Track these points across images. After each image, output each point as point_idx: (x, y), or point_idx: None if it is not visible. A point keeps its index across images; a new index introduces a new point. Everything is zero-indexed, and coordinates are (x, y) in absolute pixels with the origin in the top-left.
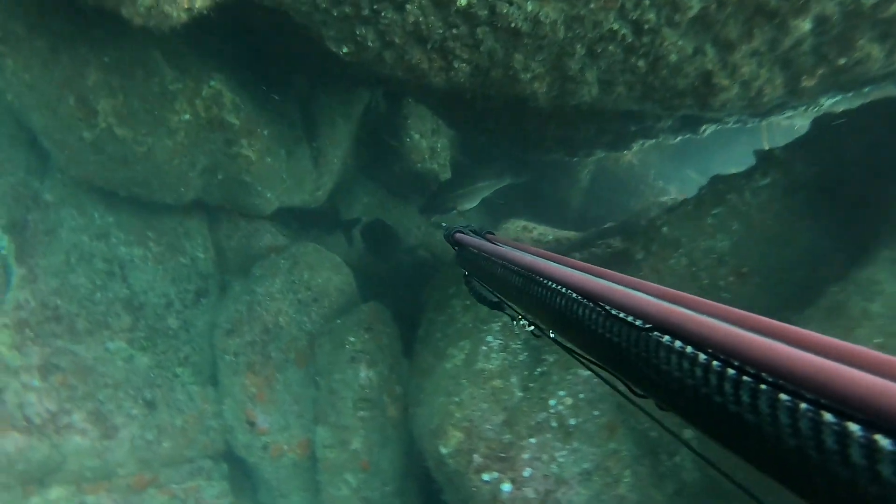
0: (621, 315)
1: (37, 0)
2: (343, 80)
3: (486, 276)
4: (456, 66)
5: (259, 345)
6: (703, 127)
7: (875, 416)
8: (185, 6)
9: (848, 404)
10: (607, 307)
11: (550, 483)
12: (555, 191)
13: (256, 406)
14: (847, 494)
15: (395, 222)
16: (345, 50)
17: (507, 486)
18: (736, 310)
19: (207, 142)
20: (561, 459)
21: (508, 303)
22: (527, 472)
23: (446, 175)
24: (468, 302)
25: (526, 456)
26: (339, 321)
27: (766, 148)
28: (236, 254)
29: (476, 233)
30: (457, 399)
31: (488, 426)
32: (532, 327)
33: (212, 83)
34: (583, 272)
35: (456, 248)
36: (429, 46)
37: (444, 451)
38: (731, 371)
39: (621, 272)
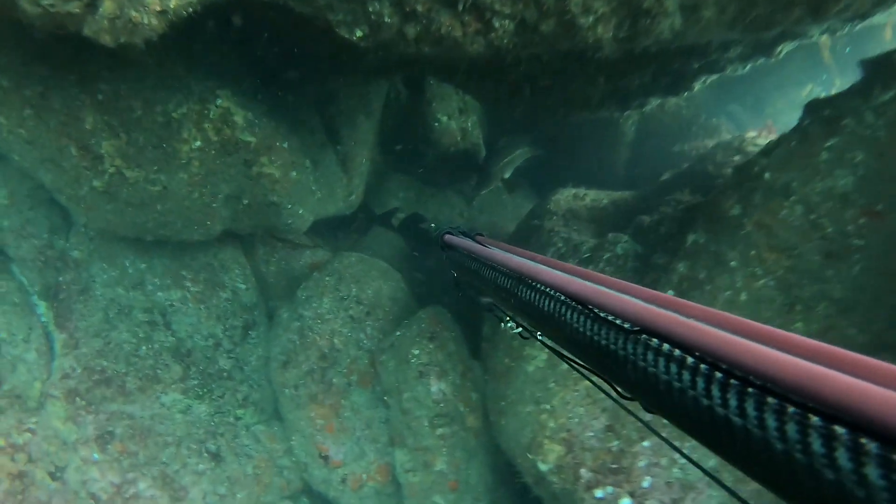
0: (609, 318)
1: (15, 47)
2: (359, 72)
3: (475, 277)
4: (496, 25)
5: (318, 373)
6: (780, 47)
7: (861, 419)
8: (157, 8)
9: (834, 407)
10: (595, 310)
11: (676, 490)
12: (598, 150)
13: (327, 438)
14: (834, 497)
15: (433, 213)
16: (358, 34)
17: (626, 502)
18: (723, 313)
19: (225, 167)
20: (682, 461)
21: (498, 305)
22: (646, 483)
23: (482, 153)
24: None
25: (642, 463)
26: (398, 333)
27: (826, 58)
28: (278, 278)
29: (465, 234)
30: (547, 406)
31: (590, 434)
32: (519, 329)
33: (218, 102)
34: (570, 274)
35: (445, 249)
36: (460, 8)
37: (543, 467)
38: (718, 374)
39: (710, 232)
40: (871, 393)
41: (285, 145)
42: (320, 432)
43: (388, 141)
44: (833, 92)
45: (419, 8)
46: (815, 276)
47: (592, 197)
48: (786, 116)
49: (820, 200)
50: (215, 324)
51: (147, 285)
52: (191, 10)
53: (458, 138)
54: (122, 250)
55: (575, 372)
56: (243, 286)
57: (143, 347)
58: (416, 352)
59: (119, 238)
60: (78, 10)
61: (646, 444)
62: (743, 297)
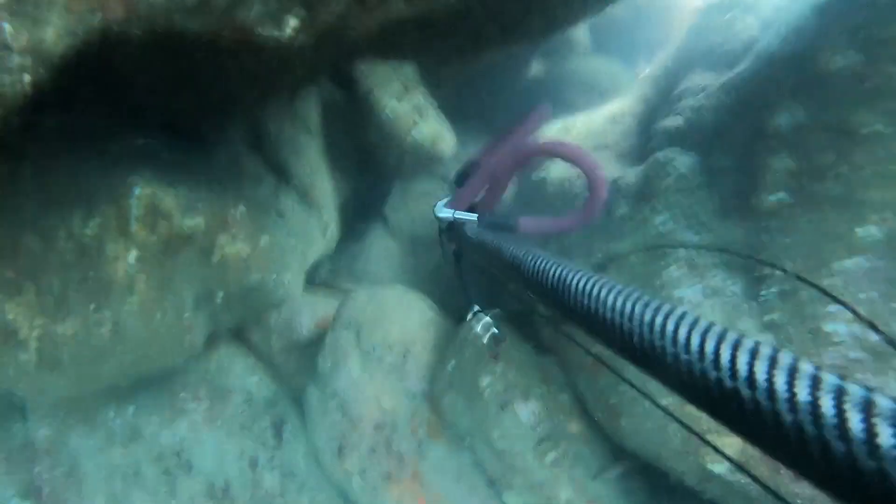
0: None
1: None
2: (281, 91)
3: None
4: None
5: (382, 446)
6: None
7: None
8: (24, 43)
9: None
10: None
11: None
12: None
13: None
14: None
15: (418, 217)
16: (292, 24)
17: None
18: None
19: (179, 268)
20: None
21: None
22: None
23: (445, 126)
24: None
25: None
26: (452, 365)
27: None
28: (286, 354)
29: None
30: None
31: None
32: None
33: (137, 191)
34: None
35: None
36: None
37: (719, 469)
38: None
39: (807, 101)
40: None
41: (242, 209)
42: None
43: (340, 152)
44: None
45: None
46: None
47: (583, 121)
48: None
49: None
50: (241, 438)
51: (145, 430)
52: (67, 47)
53: (415, 118)
54: (97, 403)
55: None
56: (254, 380)
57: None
58: (486, 380)
59: (88, 396)
60: None
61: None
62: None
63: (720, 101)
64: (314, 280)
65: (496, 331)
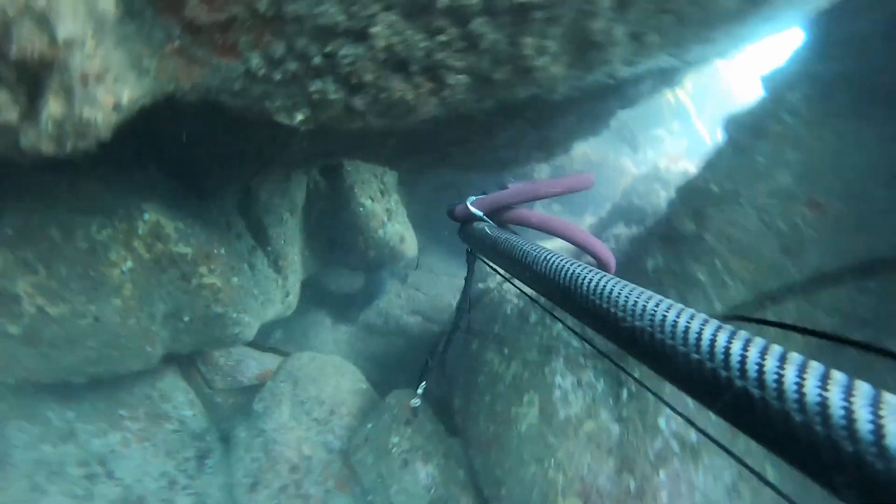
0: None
1: None
2: (282, 165)
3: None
4: (450, 82)
5: (293, 487)
6: (682, 76)
7: None
8: (111, 104)
9: None
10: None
11: None
12: None
13: None
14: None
15: (376, 309)
16: (299, 117)
17: None
18: None
19: (161, 285)
20: (701, 485)
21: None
22: None
23: (409, 232)
24: (505, 350)
25: (664, 496)
26: (370, 426)
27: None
28: (226, 396)
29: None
30: (551, 461)
31: (604, 479)
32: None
33: (146, 216)
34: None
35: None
36: (412, 69)
37: None
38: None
39: (669, 253)
40: None
41: (222, 251)
42: None
43: (316, 234)
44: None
45: (368, 77)
46: (778, 274)
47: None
48: (653, 149)
49: (767, 201)
50: (165, 460)
51: (79, 435)
52: (141, 104)
53: (385, 219)
54: (42, 401)
55: (572, 419)
56: (190, 413)
57: None
58: (396, 439)
59: (39, 388)
60: (14, 119)
61: (661, 475)
62: (718, 307)
63: (624, 247)
64: (266, 342)
65: (418, 402)
